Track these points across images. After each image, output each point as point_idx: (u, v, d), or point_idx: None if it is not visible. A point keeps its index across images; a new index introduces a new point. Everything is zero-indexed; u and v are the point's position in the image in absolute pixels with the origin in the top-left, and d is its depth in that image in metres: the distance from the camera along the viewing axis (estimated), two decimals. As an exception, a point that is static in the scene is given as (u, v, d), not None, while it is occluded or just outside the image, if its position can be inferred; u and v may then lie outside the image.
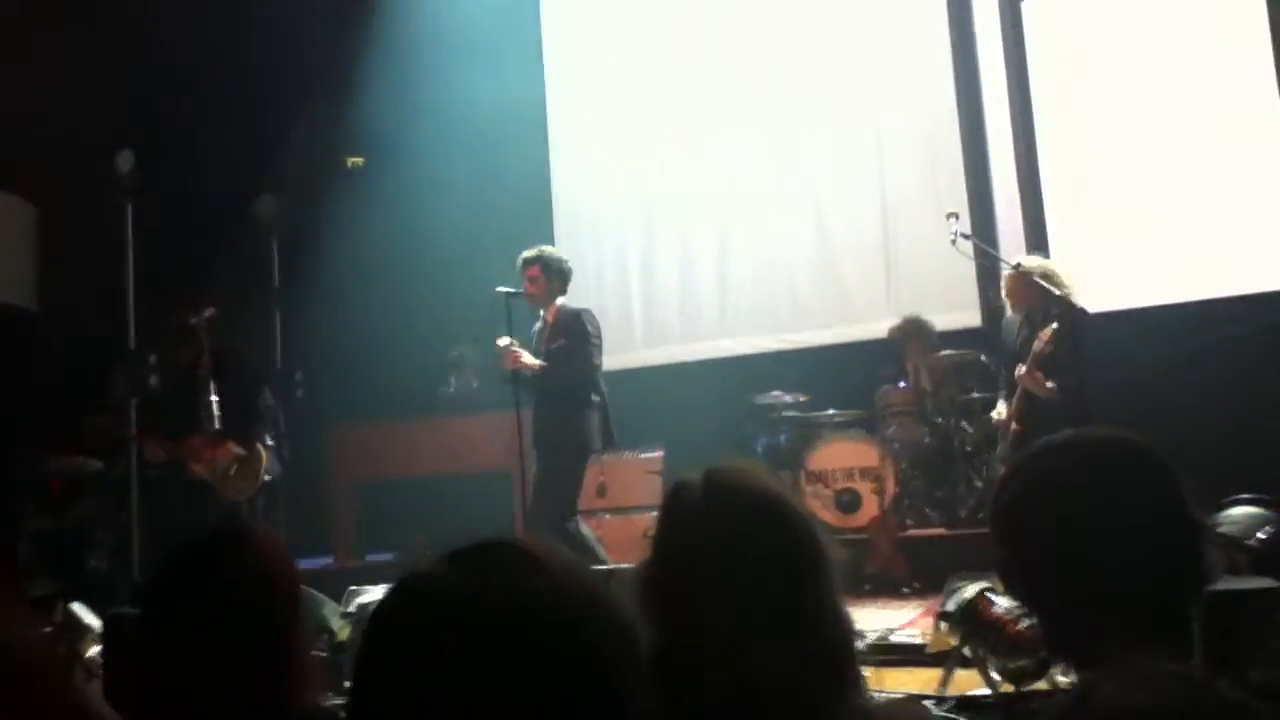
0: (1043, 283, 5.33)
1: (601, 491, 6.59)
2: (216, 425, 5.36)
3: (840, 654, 1.37)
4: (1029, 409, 5.27)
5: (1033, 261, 5.60)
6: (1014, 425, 5.35)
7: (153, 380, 5.76)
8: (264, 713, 1.51)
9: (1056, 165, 7.12)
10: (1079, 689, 1.18)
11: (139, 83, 6.99)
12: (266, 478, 5.54)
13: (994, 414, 5.74)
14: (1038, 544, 1.39)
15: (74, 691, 1.34)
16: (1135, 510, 1.34)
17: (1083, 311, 5.22)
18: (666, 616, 1.29)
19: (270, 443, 5.63)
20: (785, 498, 1.44)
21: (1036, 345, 5.13)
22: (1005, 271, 5.73)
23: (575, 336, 5.63)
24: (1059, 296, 5.24)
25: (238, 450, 5.47)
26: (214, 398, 5.34)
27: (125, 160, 6.53)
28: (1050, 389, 5.16)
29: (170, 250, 6.67)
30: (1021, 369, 5.27)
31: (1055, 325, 5.06)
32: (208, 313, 5.54)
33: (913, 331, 6.54)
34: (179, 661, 1.50)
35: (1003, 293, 5.84)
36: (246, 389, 5.61)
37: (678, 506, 1.43)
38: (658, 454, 6.80)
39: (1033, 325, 5.37)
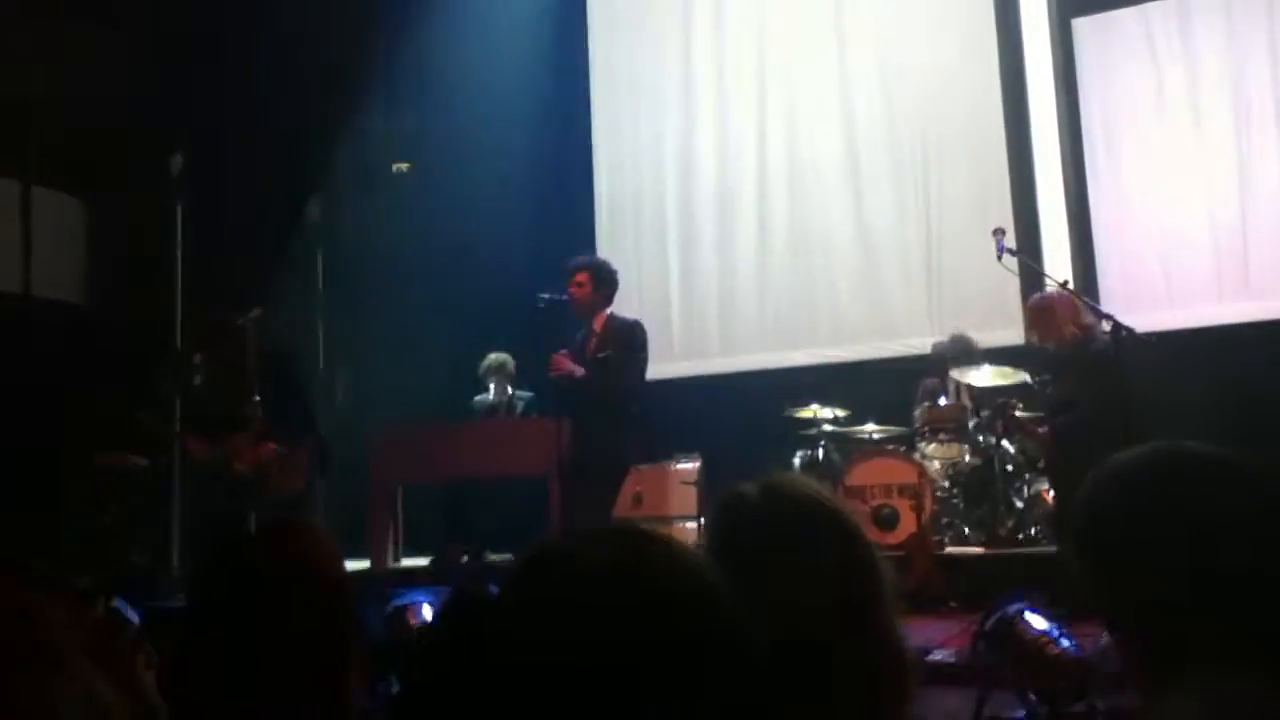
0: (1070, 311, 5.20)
1: (637, 500, 6.57)
2: (260, 425, 5.40)
3: (900, 665, 1.36)
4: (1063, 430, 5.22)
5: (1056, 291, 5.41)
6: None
7: (198, 379, 5.82)
8: (320, 706, 1.52)
9: (1105, 182, 7.05)
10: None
11: (190, 84, 7.09)
12: (309, 478, 5.58)
13: None
14: (1129, 561, 1.32)
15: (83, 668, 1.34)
16: (1230, 524, 1.27)
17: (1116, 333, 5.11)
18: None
19: (312, 443, 5.67)
20: (842, 509, 1.43)
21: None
22: (1043, 299, 5.48)
23: (628, 348, 5.62)
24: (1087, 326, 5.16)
25: (280, 450, 5.51)
26: (258, 397, 5.39)
27: (177, 162, 6.64)
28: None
29: (218, 250, 6.76)
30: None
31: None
32: (254, 313, 5.59)
33: (957, 348, 6.48)
34: (233, 655, 1.51)
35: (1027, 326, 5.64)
36: (291, 389, 5.65)
37: (734, 513, 1.43)
38: (694, 465, 6.78)
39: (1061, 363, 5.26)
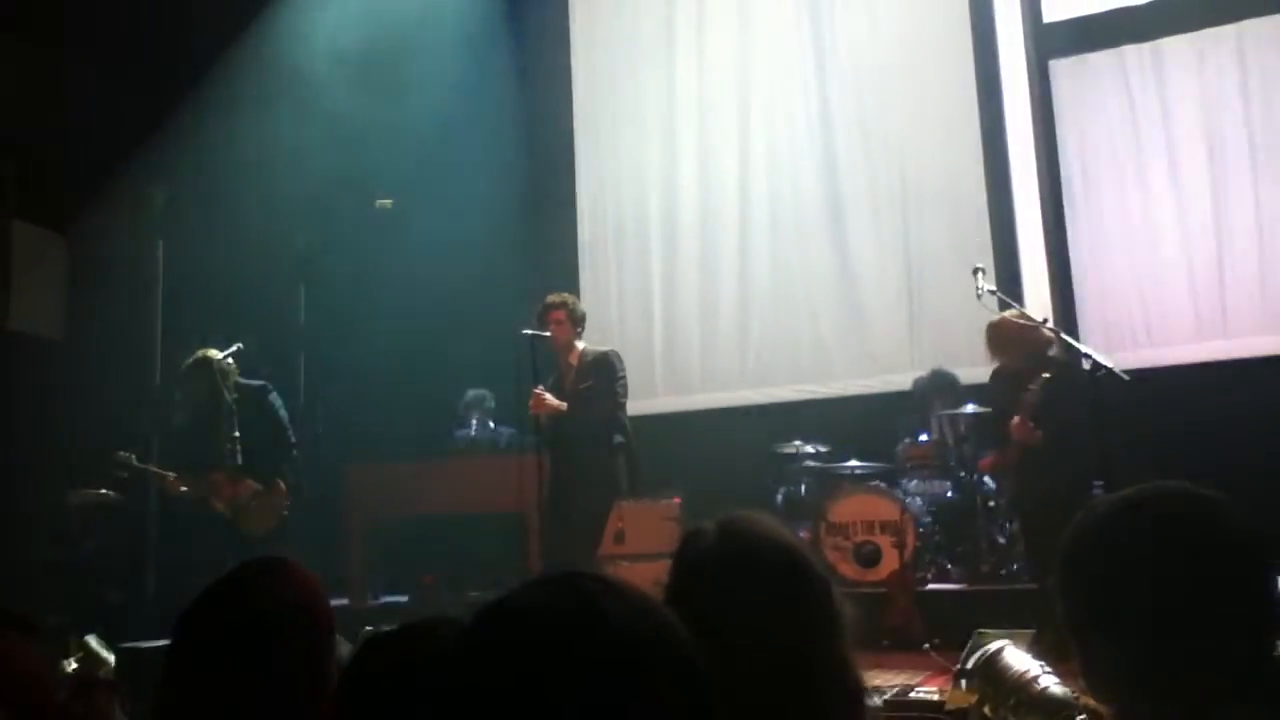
0: (1025, 334, 5.24)
1: (619, 538, 6.53)
2: (238, 461, 5.38)
3: (845, 707, 1.35)
4: (1023, 462, 5.21)
5: (1011, 314, 5.47)
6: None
7: (176, 415, 5.79)
8: None
9: (1083, 221, 7.12)
10: None
11: (174, 119, 7.09)
12: (286, 514, 5.55)
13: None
14: (1111, 599, 1.33)
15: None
16: (1213, 563, 1.29)
17: (1076, 362, 5.14)
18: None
19: (291, 480, 5.64)
20: (798, 548, 1.43)
21: (1028, 396, 5.06)
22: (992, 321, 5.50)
23: (605, 378, 5.63)
24: (1048, 350, 5.21)
25: (258, 486, 5.48)
26: (236, 433, 5.36)
27: (159, 197, 6.64)
28: (1037, 435, 5.09)
29: (198, 286, 6.73)
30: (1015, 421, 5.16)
31: (1046, 375, 5.02)
32: (233, 349, 5.58)
33: (938, 384, 6.50)
34: (217, 693, 1.49)
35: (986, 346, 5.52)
36: (269, 426, 5.63)
37: (691, 553, 1.43)
38: (675, 501, 6.76)
39: (1016, 379, 5.23)
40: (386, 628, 1.52)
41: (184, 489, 5.48)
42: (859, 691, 1.41)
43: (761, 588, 1.37)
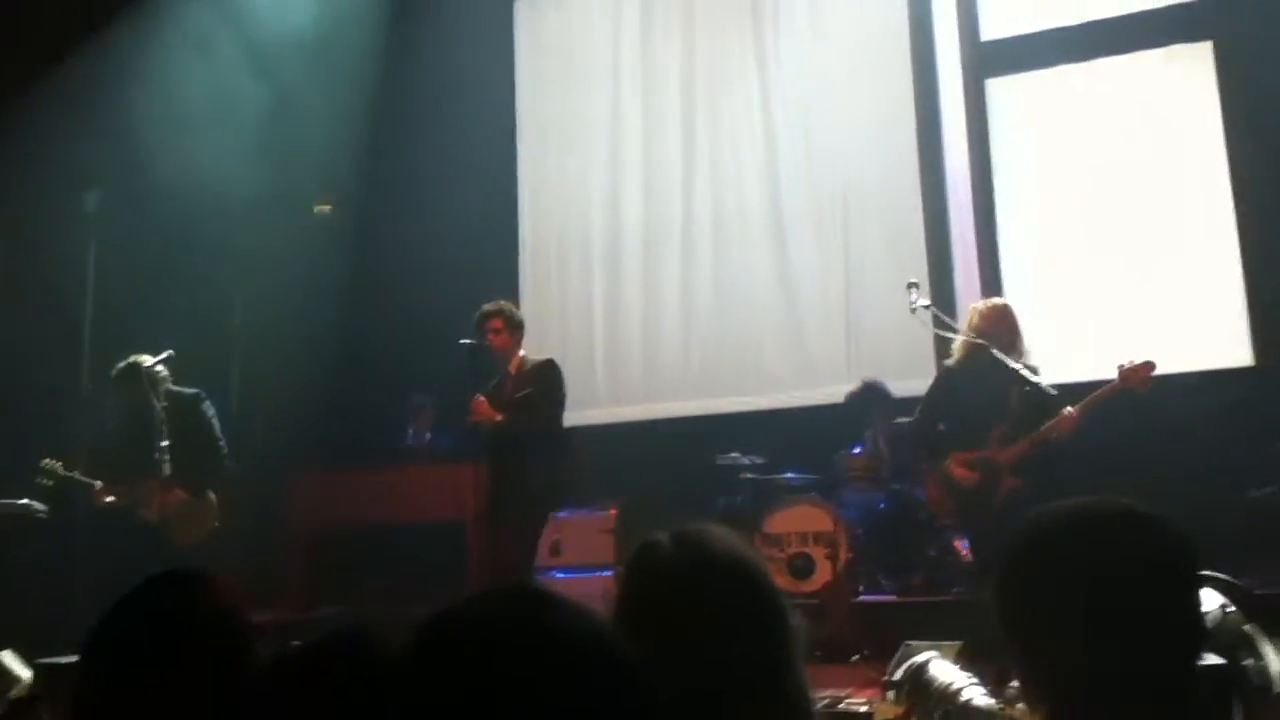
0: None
1: (555, 550, 6.54)
2: (168, 470, 5.28)
3: (801, 717, 1.36)
4: (1035, 462, 4.98)
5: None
6: (1010, 480, 4.96)
7: (105, 423, 5.68)
8: None
9: (1016, 239, 7.26)
10: None
11: (105, 122, 6.96)
12: (217, 524, 5.46)
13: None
14: (1049, 608, 1.36)
15: None
16: (1147, 577, 1.33)
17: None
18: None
19: (222, 490, 5.55)
20: (754, 560, 1.44)
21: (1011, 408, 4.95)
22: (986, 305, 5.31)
23: (543, 385, 5.59)
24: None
25: (187, 496, 5.38)
26: (166, 442, 5.27)
27: (91, 200, 6.50)
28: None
29: (128, 292, 6.61)
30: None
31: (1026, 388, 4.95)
32: (164, 355, 5.48)
33: (873, 396, 6.58)
34: (129, 708, 1.47)
35: (971, 324, 5.24)
36: (201, 434, 5.54)
37: (647, 564, 1.43)
38: (611, 513, 6.77)
39: (1002, 372, 4.99)
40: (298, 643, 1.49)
41: (110, 498, 5.37)
42: (809, 705, 1.42)
43: (718, 601, 1.37)
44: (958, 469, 5.05)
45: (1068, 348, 6.75)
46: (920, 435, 5.45)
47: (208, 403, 5.67)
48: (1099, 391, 4.88)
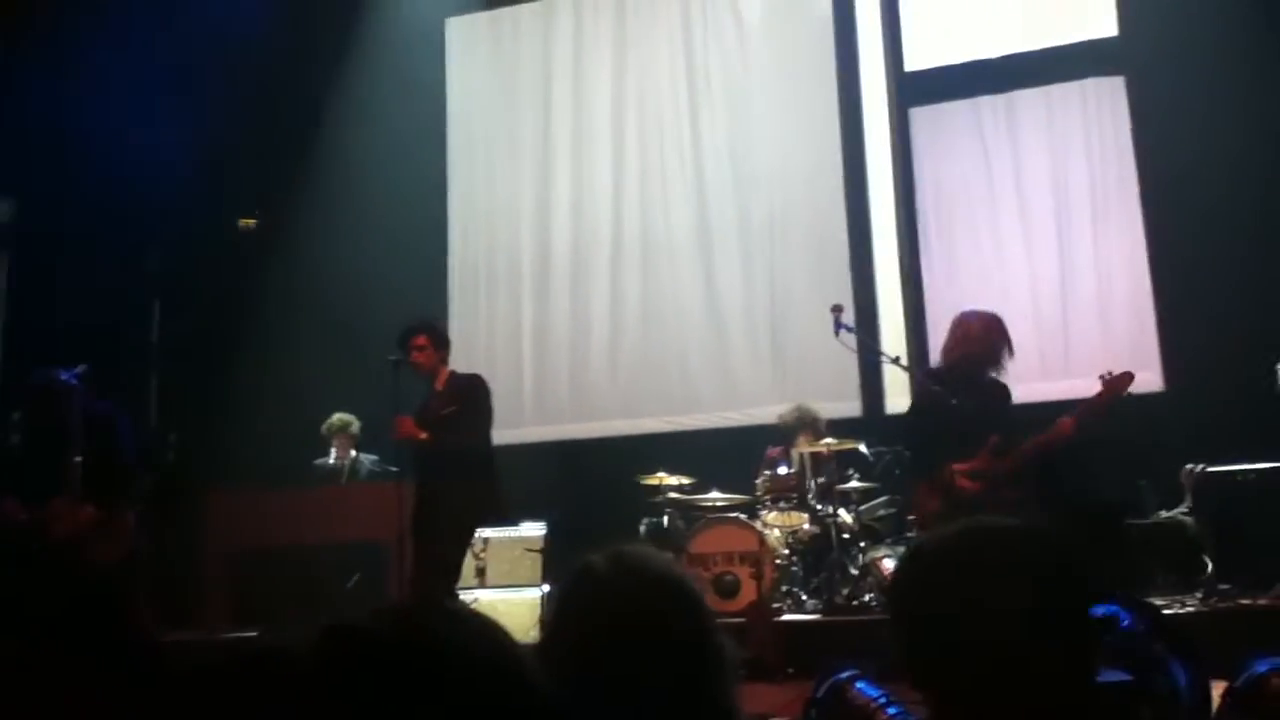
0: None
1: (481, 569, 6.49)
2: (78, 488, 5.13)
3: None
4: (1034, 472, 4.88)
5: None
6: (1009, 491, 4.77)
7: (15, 437, 5.50)
8: None
9: (938, 262, 7.42)
10: None
11: (20, 129, 6.79)
12: (129, 543, 5.32)
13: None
14: (934, 628, 1.38)
15: None
16: (1038, 593, 1.34)
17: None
18: (566, 693, 1.29)
19: (136, 508, 5.41)
20: (688, 583, 1.45)
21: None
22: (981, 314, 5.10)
23: (470, 402, 5.53)
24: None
25: (101, 515, 5.24)
26: (79, 458, 5.12)
27: (5, 209, 6.32)
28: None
29: (43, 303, 6.44)
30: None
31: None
32: (79, 369, 5.34)
33: (803, 419, 6.64)
34: None
35: (963, 335, 5.05)
36: (114, 451, 5.39)
37: (584, 585, 1.43)
38: (540, 532, 6.74)
39: (978, 384, 4.92)
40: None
41: (20, 516, 5.21)
42: None
43: (655, 622, 1.38)
44: (962, 480, 4.83)
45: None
46: (910, 444, 5.30)
47: (124, 419, 5.53)
48: (1089, 400, 4.85)
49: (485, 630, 0.93)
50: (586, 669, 1.34)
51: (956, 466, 4.88)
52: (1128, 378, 4.82)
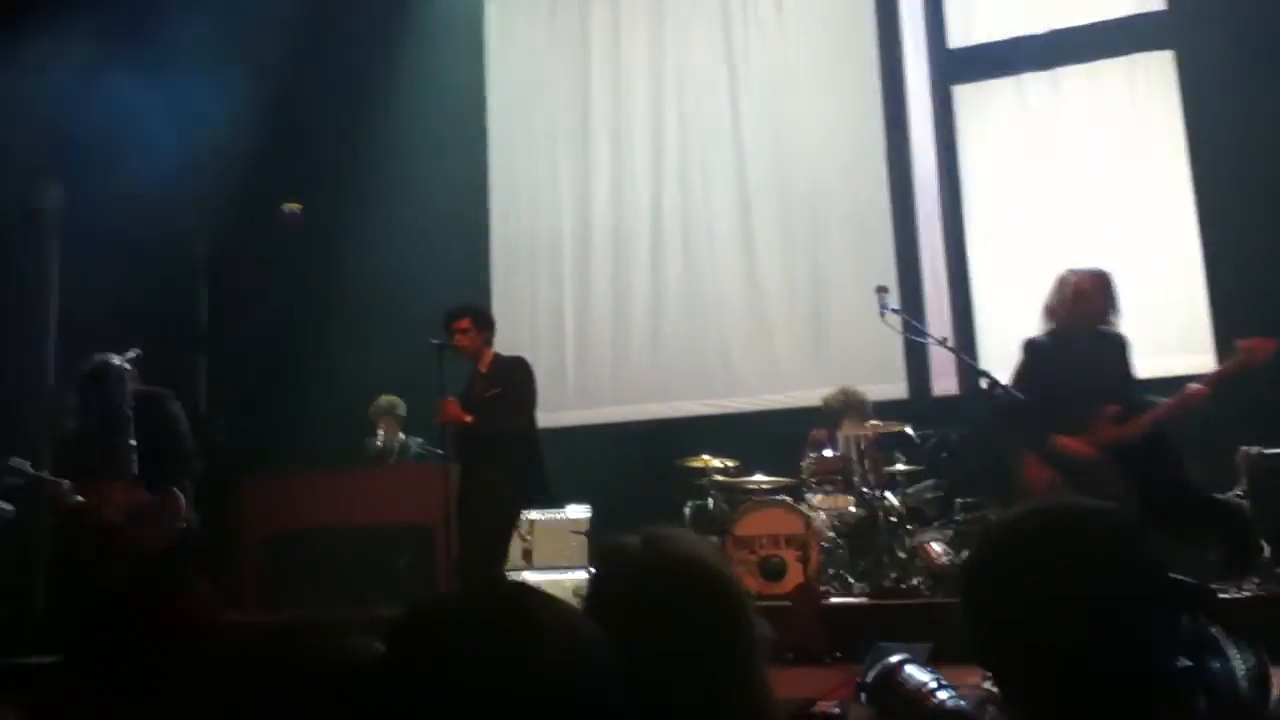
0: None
1: (527, 551, 6.53)
2: (134, 470, 5.21)
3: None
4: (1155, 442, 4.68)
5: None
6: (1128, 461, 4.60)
7: (69, 422, 5.59)
8: None
9: (982, 243, 7.33)
10: None
11: (69, 116, 6.87)
12: (183, 525, 5.39)
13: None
14: (1003, 610, 1.36)
15: None
16: (1117, 575, 1.33)
17: (992, 389, 4.96)
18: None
19: (188, 490, 5.48)
20: (720, 567, 1.45)
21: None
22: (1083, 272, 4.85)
23: (514, 385, 5.56)
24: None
25: (153, 497, 5.32)
26: (132, 441, 5.20)
27: (54, 195, 6.41)
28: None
29: (95, 288, 6.53)
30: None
31: None
32: (131, 354, 5.42)
33: (849, 402, 6.61)
34: (111, 712, 1.46)
35: (1065, 296, 4.82)
36: (169, 435, 5.47)
37: (615, 567, 1.43)
38: (584, 514, 6.77)
39: (1095, 343, 4.70)
40: None
41: (79, 498, 5.29)
42: (771, 709, 1.43)
43: (683, 604, 1.37)
44: (1075, 444, 4.59)
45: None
46: (1017, 415, 4.88)
47: (177, 403, 5.60)
48: (1224, 367, 4.62)
49: (565, 610, 0.93)
50: (619, 649, 1.35)
51: (1064, 440, 4.67)
52: (1270, 344, 4.45)
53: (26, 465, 5.23)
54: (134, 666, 1.49)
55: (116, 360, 5.35)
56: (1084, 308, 4.73)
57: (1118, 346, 4.77)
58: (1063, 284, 4.84)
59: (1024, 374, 4.90)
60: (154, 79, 7.03)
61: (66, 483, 5.30)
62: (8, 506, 5.58)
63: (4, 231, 6.59)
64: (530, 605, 0.92)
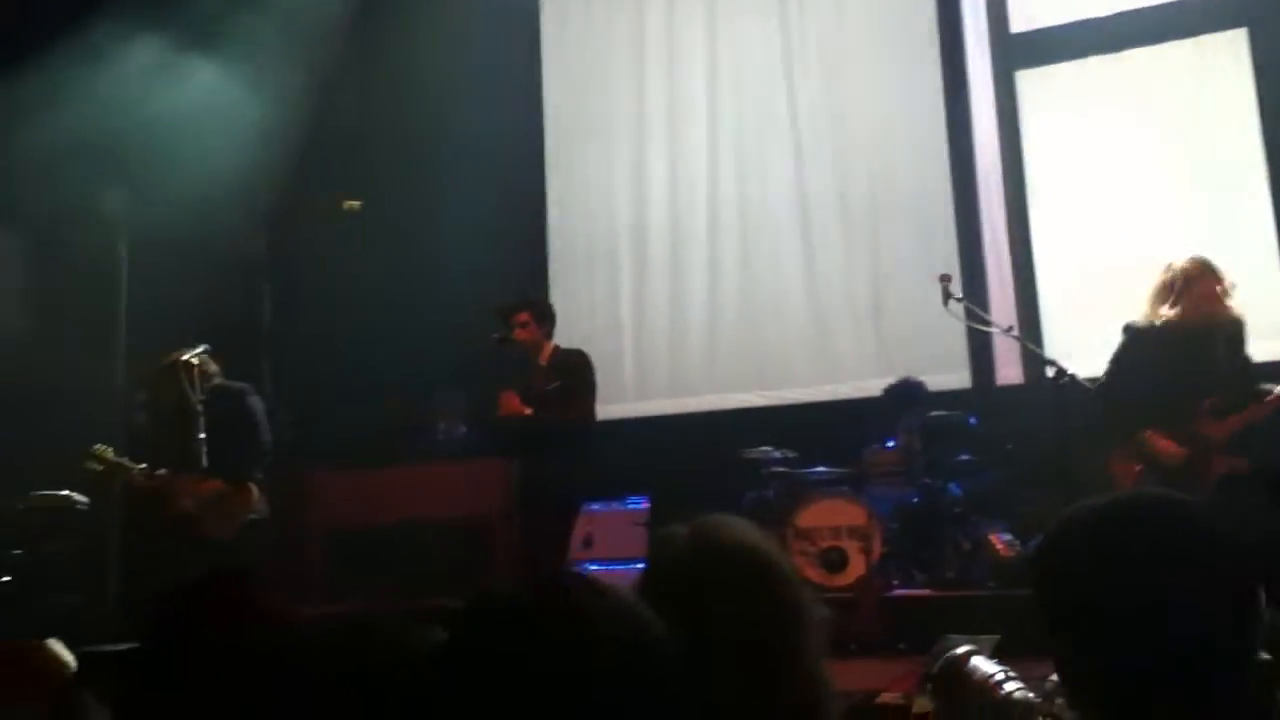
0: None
1: (587, 543, 6.55)
2: (204, 463, 5.31)
3: (811, 709, 1.36)
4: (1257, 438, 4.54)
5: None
6: (1224, 458, 4.49)
7: (141, 416, 5.72)
8: None
9: (1048, 230, 7.20)
10: None
11: (133, 118, 7.00)
12: (253, 517, 5.48)
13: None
14: (1095, 605, 1.33)
15: None
16: (1197, 569, 1.30)
17: (1058, 378, 4.91)
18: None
19: (261, 482, 5.57)
20: (770, 553, 1.44)
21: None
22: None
23: (573, 378, 5.58)
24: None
25: (223, 488, 5.41)
26: (202, 435, 5.30)
27: (118, 196, 6.54)
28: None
29: (162, 287, 6.65)
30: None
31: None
32: (199, 349, 5.52)
33: (908, 393, 6.55)
34: (186, 703, 1.48)
35: (1175, 282, 4.72)
36: (245, 428, 5.56)
37: (662, 557, 1.44)
38: (644, 506, 6.77)
39: (1205, 331, 4.59)
40: None
41: (148, 490, 5.38)
42: (827, 698, 1.42)
43: (731, 591, 1.37)
44: (1162, 442, 4.49)
45: (1102, 341, 6.70)
46: (1110, 405, 4.79)
47: (255, 397, 5.70)
48: None
49: (624, 600, 0.93)
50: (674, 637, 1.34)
51: (1154, 436, 4.57)
52: None
53: (109, 451, 5.34)
54: (209, 655, 1.52)
55: (188, 355, 5.46)
56: (1194, 294, 4.62)
57: (1230, 330, 4.63)
58: (1170, 271, 4.74)
59: (1121, 359, 4.79)
60: (215, 79, 7.15)
61: (143, 465, 5.40)
62: (82, 499, 5.72)
63: (75, 232, 6.74)
64: (590, 595, 0.92)
